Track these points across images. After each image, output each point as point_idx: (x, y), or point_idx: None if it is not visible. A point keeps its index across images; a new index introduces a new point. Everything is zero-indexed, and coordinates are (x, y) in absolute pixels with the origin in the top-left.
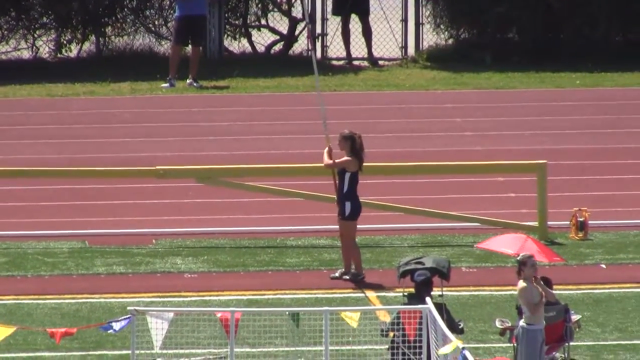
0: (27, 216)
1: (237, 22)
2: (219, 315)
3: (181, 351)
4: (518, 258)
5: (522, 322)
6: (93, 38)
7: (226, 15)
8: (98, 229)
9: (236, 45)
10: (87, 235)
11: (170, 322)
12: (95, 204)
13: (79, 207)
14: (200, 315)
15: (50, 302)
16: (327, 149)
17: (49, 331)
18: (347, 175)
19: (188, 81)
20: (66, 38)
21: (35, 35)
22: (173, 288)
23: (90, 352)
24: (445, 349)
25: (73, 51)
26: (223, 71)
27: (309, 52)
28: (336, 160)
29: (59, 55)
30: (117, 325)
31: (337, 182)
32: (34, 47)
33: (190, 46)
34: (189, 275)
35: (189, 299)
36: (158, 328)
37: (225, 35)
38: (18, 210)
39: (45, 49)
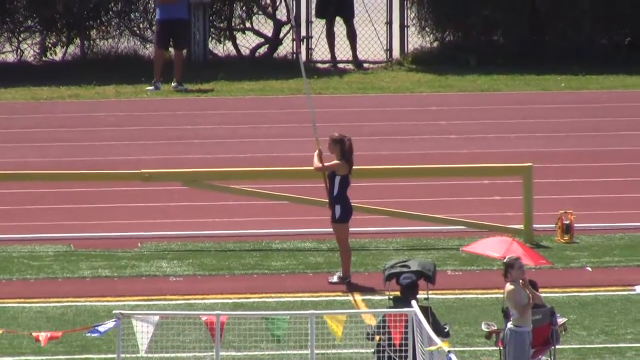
0: (12, 220)
1: (222, 25)
2: (204, 319)
3: (167, 355)
4: (505, 261)
5: (510, 325)
6: (78, 41)
7: (211, 18)
8: (83, 233)
9: (221, 49)
10: (73, 239)
11: (156, 325)
12: (80, 207)
13: (64, 210)
14: (186, 319)
15: (35, 306)
16: (317, 152)
17: (35, 335)
18: (338, 179)
19: (173, 85)
20: (51, 41)
21: (20, 39)
22: (159, 292)
23: (76, 356)
24: (430, 348)
25: (58, 54)
26: (208, 74)
27: (294, 55)
28: (326, 164)
29: (44, 58)
30: (102, 328)
31: (328, 185)
32: (19, 51)
33: (173, 50)
34: (175, 279)
35: (174, 302)
36: (144, 332)
37: (210, 39)
38: (3, 214)
39: (30, 52)
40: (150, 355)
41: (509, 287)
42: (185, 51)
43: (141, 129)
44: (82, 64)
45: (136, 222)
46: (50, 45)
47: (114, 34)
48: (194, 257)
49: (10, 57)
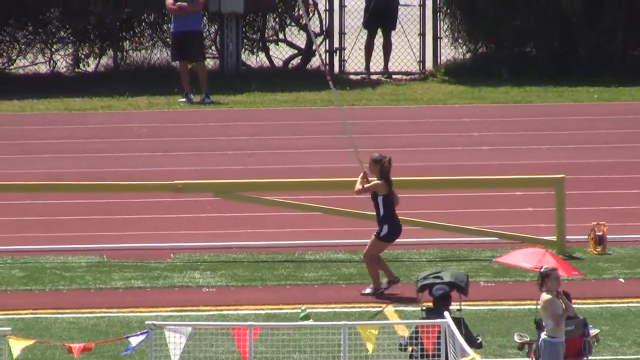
0: (45, 230)
1: (254, 36)
2: (235, 331)
3: None
4: (541, 270)
5: (544, 335)
6: (111, 52)
7: (244, 29)
8: (116, 243)
9: (254, 60)
10: (105, 250)
11: (188, 336)
12: (113, 218)
13: (96, 221)
14: (218, 330)
15: (68, 316)
16: (362, 174)
17: (67, 346)
18: (380, 199)
19: (200, 97)
20: (84, 52)
21: (53, 50)
22: (191, 302)
23: None
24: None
25: (91, 65)
26: (240, 85)
27: (325, 67)
28: (365, 186)
29: (76, 69)
30: (134, 341)
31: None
32: (52, 62)
33: (194, 62)
34: (207, 290)
35: (207, 313)
36: (176, 342)
37: (243, 50)
38: (36, 224)
39: (62, 63)
40: None
41: (545, 296)
42: (216, 62)
43: (173, 140)
44: (114, 75)
45: (169, 232)
46: (82, 56)
47: (147, 44)
48: (226, 268)
49: (43, 68)
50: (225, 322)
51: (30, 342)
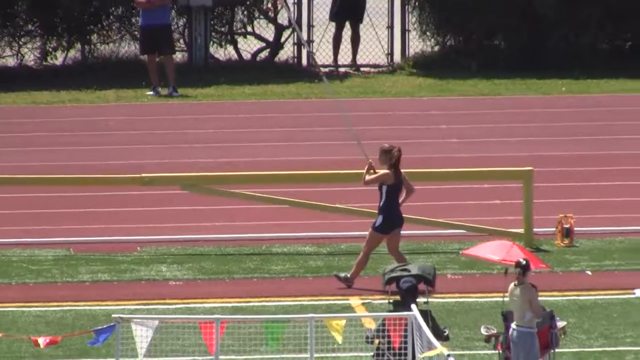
0: (11, 224)
1: (223, 29)
2: (202, 324)
3: (166, 359)
4: (523, 262)
5: (517, 326)
6: (79, 46)
7: (212, 22)
8: (83, 237)
9: (222, 53)
10: (72, 243)
11: (155, 329)
12: (80, 211)
13: (63, 214)
14: (185, 323)
15: (34, 309)
16: (367, 165)
17: (33, 339)
18: (384, 188)
19: (167, 90)
20: (52, 46)
21: (21, 43)
22: (158, 295)
23: None
24: (428, 353)
25: (59, 59)
26: (209, 78)
27: (295, 60)
28: (372, 176)
29: (44, 62)
30: (101, 337)
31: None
32: (19, 55)
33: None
34: (174, 283)
35: (174, 306)
36: (143, 336)
37: (211, 42)
38: (2, 217)
39: (30, 56)
40: (149, 359)
41: (530, 288)
42: (185, 55)
43: (141, 133)
44: (82, 68)
45: (135, 225)
46: (50, 50)
47: (115, 38)
48: (193, 261)
49: (11, 61)
50: (193, 315)
51: None
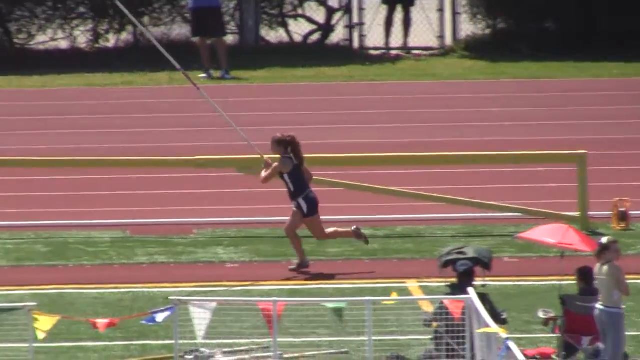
0: (69, 206)
1: (273, 11)
2: (261, 306)
3: (224, 341)
4: (603, 242)
5: (613, 308)
6: (130, 28)
7: (262, 4)
8: (139, 219)
9: (273, 35)
10: (129, 225)
11: (212, 312)
12: (136, 193)
13: (120, 196)
14: (243, 305)
15: (92, 291)
16: (264, 164)
17: (92, 321)
18: (286, 177)
19: (220, 73)
20: (103, 28)
21: (73, 25)
22: (215, 278)
23: (134, 342)
24: (486, 329)
25: (110, 41)
26: (260, 61)
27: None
28: (267, 174)
29: (96, 45)
30: (160, 317)
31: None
32: (72, 37)
33: (214, 38)
34: (231, 265)
35: (231, 288)
36: (201, 318)
37: (262, 25)
38: (60, 200)
39: (82, 38)
40: (207, 342)
41: (616, 265)
42: (237, 37)
43: (194, 116)
44: (134, 51)
45: (191, 208)
46: (102, 32)
47: (166, 20)
48: (249, 244)
49: (63, 44)
50: (250, 297)
51: (55, 317)
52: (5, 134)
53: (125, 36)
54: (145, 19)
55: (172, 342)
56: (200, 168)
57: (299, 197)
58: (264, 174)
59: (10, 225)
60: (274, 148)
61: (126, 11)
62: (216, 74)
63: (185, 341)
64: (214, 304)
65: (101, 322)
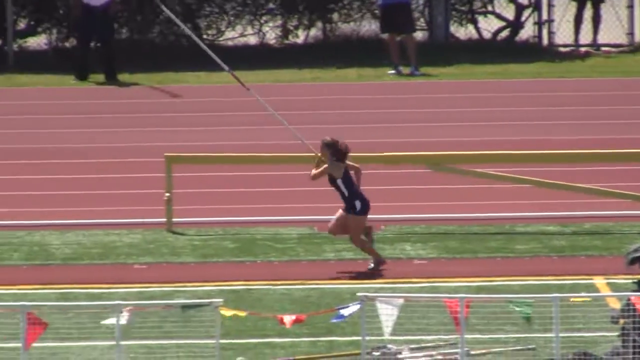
0: (255, 202)
1: (463, 8)
2: (447, 302)
3: (411, 337)
4: None
5: None
6: (319, 24)
7: (452, 1)
8: (326, 215)
9: (462, 31)
10: (316, 221)
11: (399, 308)
12: (323, 190)
13: (307, 193)
14: (429, 302)
15: (280, 288)
16: (316, 160)
17: (279, 317)
18: (340, 182)
19: (409, 69)
20: (292, 24)
21: (262, 21)
22: (402, 274)
23: (321, 338)
24: None
25: (299, 37)
26: (450, 57)
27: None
28: (318, 172)
29: (285, 41)
30: (346, 312)
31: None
32: (261, 33)
33: (403, 34)
34: (418, 262)
35: (418, 285)
36: (388, 314)
37: (452, 21)
38: (248, 195)
39: (271, 35)
40: (394, 338)
41: None
42: (426, 34)
43: (382, 112)
44: (323, 47)
45: (379, 204)
46: (291, 28)
47: (355, 16)
48: (437, 240)
49: (252, 40)
50: (437, 294)
51: (243, 313)
52: (191, 130)
53: (315, 32)
54: (335, 15)
55: (359, 338)
56: (389, 164)
57: (355, 200)
58: (314, 171)
59: (197, 221)
60: (323, 151)
61: (160, 5)
62: (405, 70)
63: (372, 337)
64: (400, 301)
65: (288, 318)
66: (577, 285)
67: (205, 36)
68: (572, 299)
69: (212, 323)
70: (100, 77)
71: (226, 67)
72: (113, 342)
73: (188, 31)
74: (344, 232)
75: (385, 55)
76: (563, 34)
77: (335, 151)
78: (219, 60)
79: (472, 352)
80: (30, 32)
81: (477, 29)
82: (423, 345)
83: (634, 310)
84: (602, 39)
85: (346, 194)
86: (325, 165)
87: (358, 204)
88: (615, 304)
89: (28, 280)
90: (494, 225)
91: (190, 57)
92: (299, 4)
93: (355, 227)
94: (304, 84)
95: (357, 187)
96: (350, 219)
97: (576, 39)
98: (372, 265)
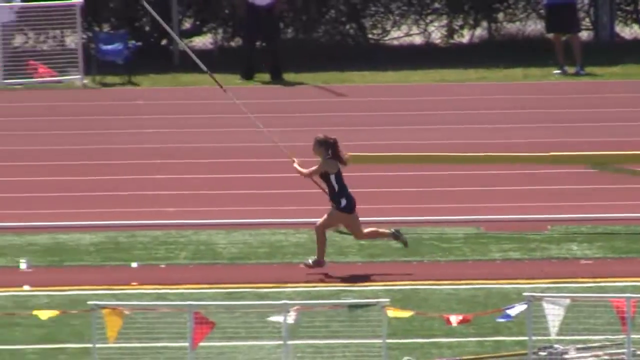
0: (423, 202)
1: (628, 7)
2: (613, 302)
3: (577, 337)
4: None
5: None
6: (485, 24)
7: (617, 0)
8: (493, 215)
9: (627, 31)
10: (483, 221)
11: (566, 308)
12: (490, 189)
13: (474, 192)
14: (596, 302)
15: (446, 287)
16: (295, 162)
17: (445, 317)
18: (332, 178)
19: (574, 69)
20: (458, 24)
21: (427, 21)
22: (569, 274)
23: (487, 338)
24: None
25: (465, 37)
26: (614, 57)
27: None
28: (313, 170)
29: (450, 41)
30: (513, 312)
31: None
32: (426, 33)
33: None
34: (585, 262)
35: (584, 285)
36: (554, 314)
37: (617, 21)
38: (413, 195)
39: (437, 34)
40: (560, 338)
41: None
42: (591, 33)
43: (551, 112)
44: (488, 46)
45: (545, 204)
46: (457, 28)
47: (520, 16)
48: (603, 240)
49: (418, 39)
50: (603, 294)
51: (409, 313)
52: (356, 129)
53: (480, 32)
54: (500, 15)
55: (526, 338)
56: (553, 164)
57: (341, 197)
58: (306, 170)
59: (362, 221)
60: (316, 148)
61: (149, 8)
62: (571, 70)
63: (539, 337)
64: (567, 300)
65: (454, 318)
66: None
67: (370, 36)
68: None
69: (378, 323)
70: (266, 77)
71: (204, 68)
72: (280, 342)
73: (167, 27)
74: (352, 230)
75: (550, 54)
76: None
77: (330, 148)
78: (198, 61)
79: (639, 353)
80: (196, 31)
81: None
82: (589, 345)
83: None
84: None
85: (336, 189)
86: (320, 163)
87: (344, 201)
88: None
89: (195, 279)
90: None
91: (356, 56)
92: (464, 4)
93: (337, 220)
94: (469, 84)
95: (346, 186)
96: (347, 219)
97: None
98: (310, 261)
